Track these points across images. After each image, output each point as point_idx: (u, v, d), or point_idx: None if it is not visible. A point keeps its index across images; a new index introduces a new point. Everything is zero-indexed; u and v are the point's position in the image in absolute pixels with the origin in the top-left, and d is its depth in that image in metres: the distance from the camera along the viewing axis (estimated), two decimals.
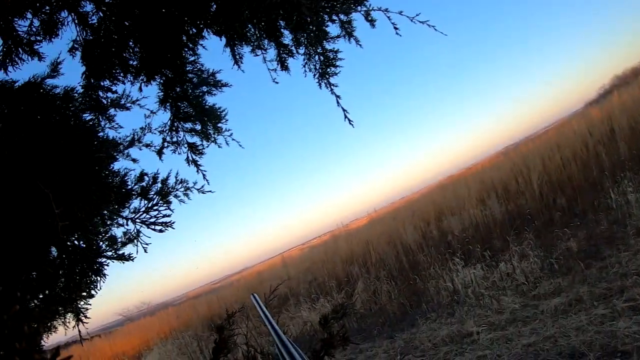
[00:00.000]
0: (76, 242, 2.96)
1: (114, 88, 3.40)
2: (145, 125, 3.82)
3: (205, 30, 3.21)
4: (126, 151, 3.81)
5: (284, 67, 3.59)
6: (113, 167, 3.67)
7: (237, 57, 3.47)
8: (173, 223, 3.70)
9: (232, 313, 2.62)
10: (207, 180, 3.90)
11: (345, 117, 3.44)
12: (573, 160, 10.38)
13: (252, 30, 3.34)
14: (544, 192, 9.91)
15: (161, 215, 3.67)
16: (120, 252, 3.62)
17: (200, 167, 3.90)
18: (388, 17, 3.28)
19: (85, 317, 3.62)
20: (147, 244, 3.76)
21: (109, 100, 3.55)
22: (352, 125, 3.46)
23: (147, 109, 3.69)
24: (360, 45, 3.51)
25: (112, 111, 3.62)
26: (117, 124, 3.69)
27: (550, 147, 11.84)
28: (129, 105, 3.60)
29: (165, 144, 3.85)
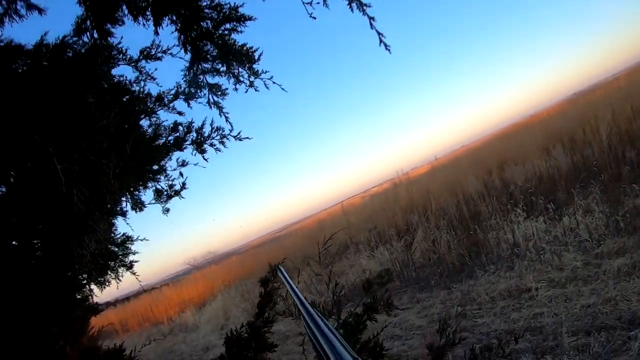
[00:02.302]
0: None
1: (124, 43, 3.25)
2: (176, 84, 3.78)
3: None
4: (164, 105, 3.84)
5: None
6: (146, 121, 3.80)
7: None
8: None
9: (276, 265, 2.78)
10: (230, 123, 3.80)
11: (381, 41, 3.09)
12: None
13: None
14: (613, 143, 9.50)
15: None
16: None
17: (223, 110, 3.77)
18: None
19: (133, 273, 3.92)
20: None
21: (140, 52, 3.48)
22: (389, 50, 3.12)
23: (180, 57, 3.49)
24: None
25: (142, 63, 3.54)
26: (148, 74, 3.63)
27: (620, 95, 11.24)
28: (160, 54, 3.51)
29: (186, 89, 3.75)
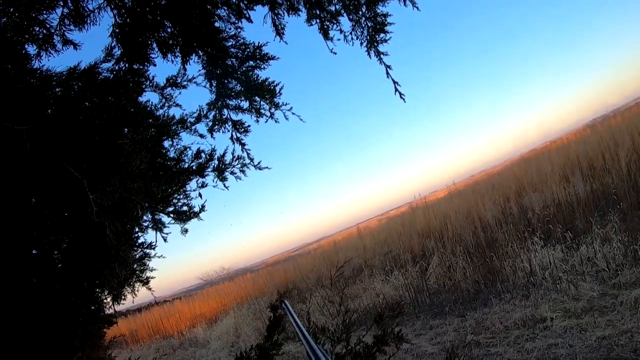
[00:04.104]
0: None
1: (151, 70, 3.44)
2: (199, 108, 3.94)
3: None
4: (186, 129, 3.96)
5: (327, 36, 3.37)
6: (171, 145, 3.91)
7: (279, 27, 3.33)
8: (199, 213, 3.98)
9: (285, 292, 2.82)
10: (251, 158, 3.98)
11: (396, 90, 3.25)
12: None
13: None
14: (633, 171, 9.27)
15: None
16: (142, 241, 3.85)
17: (245, 146, 3.94)
18: None
19: (149, 289, 4.01)
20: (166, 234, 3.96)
21: (166, 80, 3.62)
22: (404, 99, 3.27)
23: (204, 87, 3.71)
24: (417, 8, 3.20)
25: (168, 90, 3.71)
26: (174, 102, 3.80)
27: None
28: (185, 83, 3.65)
29: (211, 123, 3.89)
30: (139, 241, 3.81)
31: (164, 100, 3.77)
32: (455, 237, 11.28)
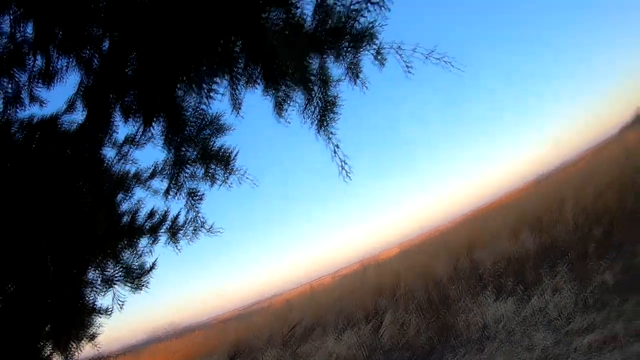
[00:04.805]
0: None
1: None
2: (154, 164, 3.97)
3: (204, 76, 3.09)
4: (141, 184, 4.00)
5: (280, 114, 3.35)
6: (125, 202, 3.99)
7: (237, 102, 3.27)
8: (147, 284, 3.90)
9: (235, 353, 2.57)
10: (204, 226, 4.04)
11: (342, 168, 3.25)
12: (608, 188, 10.03)
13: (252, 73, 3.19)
14: (579, 222, 9.55)
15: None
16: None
17: (199, 214, 3.99)
18: (400, 55, 3.12)
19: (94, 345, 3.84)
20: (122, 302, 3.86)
21: (124, 137, 3.69)
22: (349, 178, 3.25)
23: (161, 148, 3.67)
24: (366, 87, 3.28)
25: (126, 147, 3.76)
26: (132, 160, 3.86)
27: (584, 175, 11.52)
28: (143, 142, 3.70)
29: (166, 185, 3.87)
30: (93, 305, 3.80)
31: (120, 156, 3.81)
32: (407, 294, 11.13)
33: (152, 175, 3.97)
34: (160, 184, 3.99)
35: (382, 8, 2.95)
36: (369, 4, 2.99)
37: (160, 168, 3.93)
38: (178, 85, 3.06)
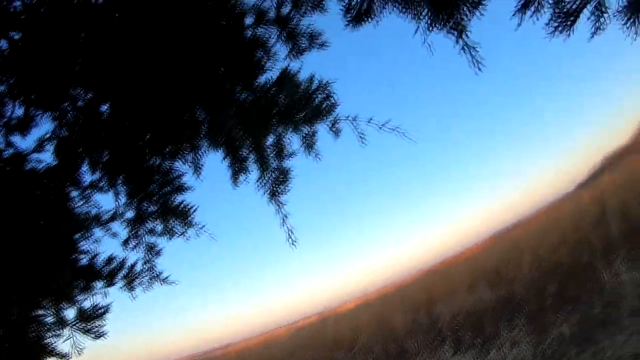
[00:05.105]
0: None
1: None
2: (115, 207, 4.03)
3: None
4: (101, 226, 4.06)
5: (236, 182, 3.62)
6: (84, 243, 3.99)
7: (198, 166, 3.55)
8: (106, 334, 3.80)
9: None
10: (160, 277, 4.19)
11: (289, 237, 3.52)
12: (564, 243, 10.20)
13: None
14: (536, 276, 9.62)
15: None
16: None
17: (155, 268, 4.17)
18: (354, 126, 3.38)
19: None
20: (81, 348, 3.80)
21: (89, 182, 3.75)
22: (295, 246, 3.53)
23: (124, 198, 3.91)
24: (319, 159, 3.66)
25: (90, 191, 3.83)
26: (95, 203, 3.93)
27: (541, 230, 11.74)
28: (106, 188, 3.77)
29: (128, 238, 4.08)
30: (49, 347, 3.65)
31: (83, 198, 3.88)
32: (365, 348, 10.92)
33: (112, 219, 4.05)
34: (120, 227, 4.12)
35: (331, 99, 3.40)
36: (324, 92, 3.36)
37: (120, 212, 4.05)
38: (145, 149, 3.28)
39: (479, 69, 2.19)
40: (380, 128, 3.24)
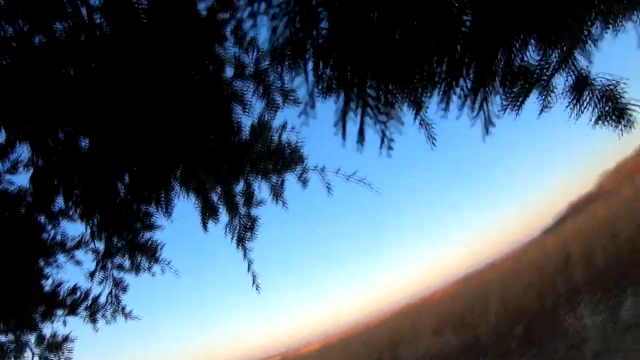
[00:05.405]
0: None
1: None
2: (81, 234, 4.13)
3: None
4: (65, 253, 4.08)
5: (205, 228, 3.71)
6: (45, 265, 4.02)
7: (169, 209, 3.56)
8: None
9: None
10: (124, 311, 4.19)
11: (254, 282, 3.73)
12: (530, 288, 10.24)
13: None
14: (501, 321, 9.62)
15: None
16: None
17: (121, 303, 4.17)
18: (322, 177, 3.59)
19: None
20: None
21: (59, 210, 3.81)
22: (259, 291, 3.76)
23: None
24: (286, 207, 3.83)
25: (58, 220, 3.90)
26: (63, 231, 4.00)
27: (507, 275, 11.82)
28: (76, 219, 3.73)
29: (94, 271, 4.04)
30: None
31: (50, 225, 3.89)
32: None
33: (78, 245, 4.10)
34: (86, 256, 4.16)
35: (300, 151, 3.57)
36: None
37: (87, 238, 4.10)
38: (119, 187, 3.27)
39: (434, 144, 2.29)
40: (347, 179, 3.43)
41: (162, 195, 3.45)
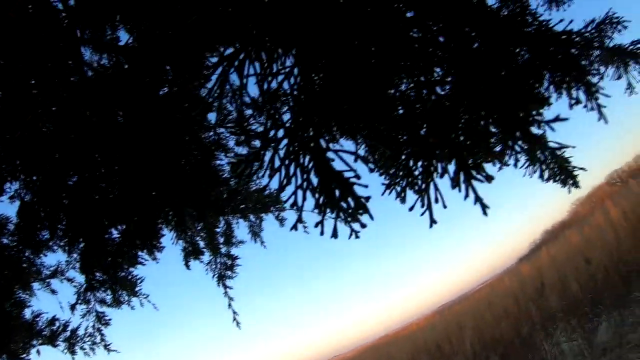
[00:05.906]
0: None
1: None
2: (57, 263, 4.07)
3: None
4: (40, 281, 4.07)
5: (188, 266, 3.92)
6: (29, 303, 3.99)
7: (152, 251, 3.65)
8: None
9: None
10: (103, 343, 4.09)
11: (234, 319, 3.91)
12: (505, 316, 10.25)
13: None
14: (477, 350, 9.60)
15: None
16: None
17: (104, 337, 4.09)
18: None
19: None
20: None
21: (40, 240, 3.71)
22: (239, 327, 3.95)
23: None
24: (264, 246, 4.07)
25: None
26: (42, 263, 4.00)
27: (483, 305, 11.82)
28: (55, 248, 3.77)
29: (75, 303, 3.99)
30: None
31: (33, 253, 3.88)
32: None
33: (54, 274, 4.09)
34: (65, 286, 4.13)
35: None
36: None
37: (63, 266, 4.07)
38: (105, 225, 3.34)
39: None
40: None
41: (149, 243, 3.52)
